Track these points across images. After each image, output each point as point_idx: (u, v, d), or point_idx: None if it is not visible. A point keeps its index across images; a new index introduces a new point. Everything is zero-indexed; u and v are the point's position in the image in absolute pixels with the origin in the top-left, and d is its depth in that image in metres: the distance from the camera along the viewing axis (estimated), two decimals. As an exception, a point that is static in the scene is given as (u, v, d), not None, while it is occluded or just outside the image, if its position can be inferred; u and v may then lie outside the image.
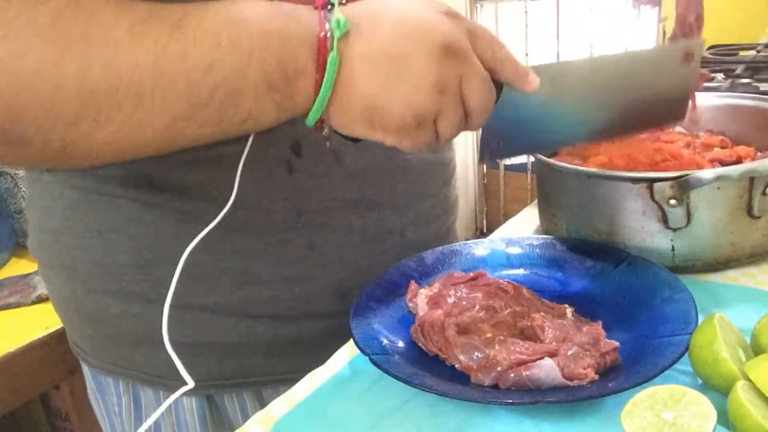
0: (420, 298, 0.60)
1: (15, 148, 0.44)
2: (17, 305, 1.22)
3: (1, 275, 1.33)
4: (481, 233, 2.82)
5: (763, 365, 0.43)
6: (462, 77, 0.47)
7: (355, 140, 0.52)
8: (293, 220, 0.63)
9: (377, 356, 0.52)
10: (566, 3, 2.58)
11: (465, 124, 0.50)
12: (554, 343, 0.51)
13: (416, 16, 0.46)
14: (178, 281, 0.61)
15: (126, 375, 0.69)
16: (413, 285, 0.62)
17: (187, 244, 0.58)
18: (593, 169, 0.68)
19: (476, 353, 0.51)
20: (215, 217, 0.56)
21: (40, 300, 1.23)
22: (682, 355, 0.48)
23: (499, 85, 0.51)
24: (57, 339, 1.15)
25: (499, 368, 0.49)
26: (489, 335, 0.53)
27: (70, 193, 0.64)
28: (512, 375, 0.49)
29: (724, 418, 0.43)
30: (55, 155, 0.45)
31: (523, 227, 0.81)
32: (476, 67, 0.48)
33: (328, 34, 0.45)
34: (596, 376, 0.48)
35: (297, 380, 0.56)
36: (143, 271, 0.63)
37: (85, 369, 0.74)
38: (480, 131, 0.55)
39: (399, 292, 0.62)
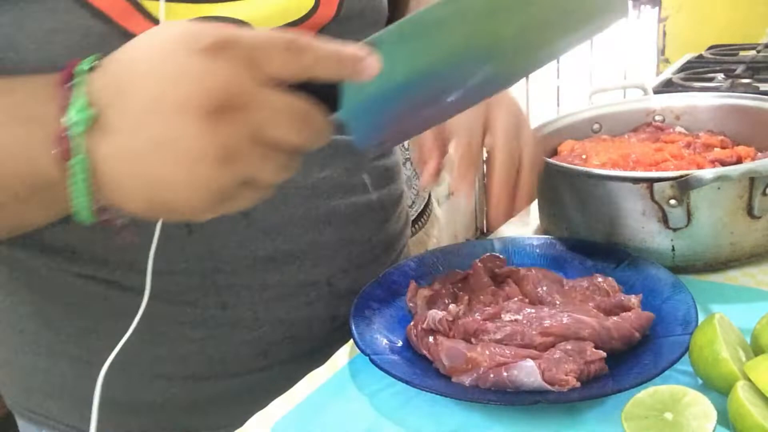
0: (420, 298, 0.60)
1: None
2: (17, 305, 1.22)
3: (1, 275, 1.33)
4: (481, 233, 2.82)
5: (763, 365, 0.43)
6: (255, 128, 0.37)
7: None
8: (198, 283, 0.58)
9: (377, 356, 0.52)
10: (566, 3, 2.58)
11: (297, 158, 0.40)
12: (540, 339, 0.51)
13: (167, 78, 0.36)
14: (85, 335, 0.60)
15: (43, 424, 0.66)
16: (413, 285, 0.62)
17: (92, 304, 0.58)
18: (593, 169, 0.68)
19: (459, 356, 0.51)
20: (111, 284, 0.57)
21: (40, 300, 1.23)
22: (682, 355, 0.48)
23: (332, 87, 0.40)
24: (57, 339, 1.14)
25: (481, 369, 0.49)
26: (476, 336, 0.53)
27: None
28: (492, 375, 0.49)
29: (724, 418, 0.43)
30: None
31: (523, 227, 0.81)
32: (268, 106, 0.37)
33: (70, 132, 0.37)
34: (577, 384, 0.48)
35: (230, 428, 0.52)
36: (48, 324, 0.61)
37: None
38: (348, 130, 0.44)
39: (399, 292, 0.62)
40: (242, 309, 0.60)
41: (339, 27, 0.58)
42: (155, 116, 0.36)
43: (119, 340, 0.51)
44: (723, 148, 0.75)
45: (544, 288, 0.59)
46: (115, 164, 0.37)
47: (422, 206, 1.01)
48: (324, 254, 0.62)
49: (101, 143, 0.37)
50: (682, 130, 0.82)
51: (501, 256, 0.65)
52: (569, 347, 0.50)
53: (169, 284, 0.57)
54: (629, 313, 0.54)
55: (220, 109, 0.36)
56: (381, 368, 0.50)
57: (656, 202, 0.62)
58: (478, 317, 0.54)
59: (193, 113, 0.35)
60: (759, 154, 0.73)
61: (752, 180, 0.62)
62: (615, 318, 0.53)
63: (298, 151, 0.39)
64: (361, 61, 0.39)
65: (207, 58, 0.36)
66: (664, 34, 2.32)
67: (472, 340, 0.53)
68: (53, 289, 0.60)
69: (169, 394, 0.62)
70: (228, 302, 0.60)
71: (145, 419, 0.63)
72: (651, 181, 0.62)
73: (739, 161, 0.71)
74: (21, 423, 0.69)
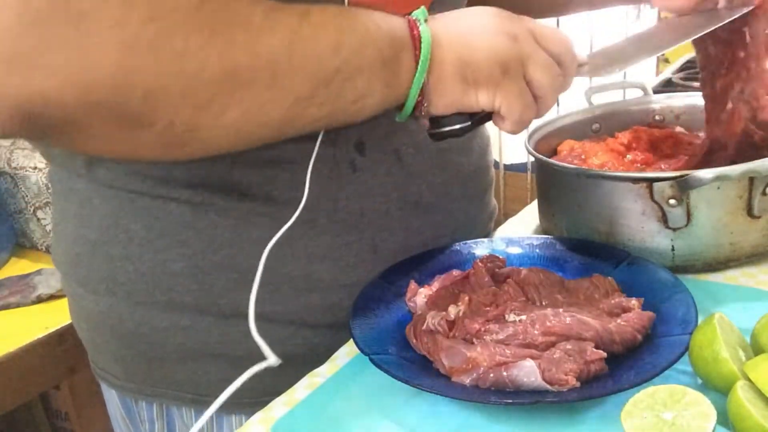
0: (420, 298, 0.60)
1: (135, 131, 0.44)
2: (17, 305, 1.23)
3: (1, 275, 1.33)
4: (481, 233, 2.82)
5: (763, 365, 0.43)
6: (531, 30, 0.54)
7: (454, 134, 0.55)
8: (356, 220, 0.62)
9: (377, 356, 0.52)
10: (566, 3, 2.58)
11: (560, 71, 0.56)
12: (541, 338, 0.51)
13: (482, 16, 0.55)
14: (233, 289, 0.60)
15: (164, 396, 0.66)
16: (413, 285, 0.62)
17: (245, 249, 0.58)
18: (593, 169, 0.68)
19: (459, 357, 0.51)
20: (274, 220, 0.56)
21: (40, 300, 1.23)
22: (682, 355, 0.48)
23: None
24: (57, 339, 1.15)
25: (481, 369, 0.49)
26: (478, 337, 0.53)
27: (111, 198, 0.61)
28: (491, 375, 0.49)
29: (724, 418, 0.43)
30: (172, 140, 0.46)
31: (523, 227, 0.81)
32: (541, 53, 0.55)
33: (414, 16, 0.53)
34: (577, 384, 0.48)
35: None
36: (196, 280, 0.60)
37: (113, 395, 0.70)
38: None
39: (399, 292, 0.62)
40: (389, 253, 0.65)
41: None
42: (471, 14, 0.55)
43: (272, 291, 0.59)
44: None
45: (545, 288, 0.59)
46: (441, 35, 0.52)
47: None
48: (453, 208, 0.70)
49: (435, 24, 0.53)
50: (682, 130, 0.82)
51: (501, 257, 0.65)
52: (569, 347, 0.50)
53: (328, 224, 0.62)
54: (630, 314, 0.54)
55: (512, 35, 0.54)
56: (381, 368, 0.50)
57: (656, 202, 0.62)
58: (482, 319, 0.54)
59: (493, 19, 0.54)
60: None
61: (752, 180, 0.62)
62: (617, 321, 0.53)
63: (559, 59, 0.56)
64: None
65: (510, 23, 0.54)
66: (664, 34, 2.31)
67: (474, 340, 0.53)
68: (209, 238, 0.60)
69: (311, 345, 0.63)
70: (378, 245, 0.64)
71: (284, 373, 0.59)
72: (651, 181, 0.62)
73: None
74: (127, 403, 0.69)
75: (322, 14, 0.49)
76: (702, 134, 0.78)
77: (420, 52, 0.51)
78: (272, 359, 0.47)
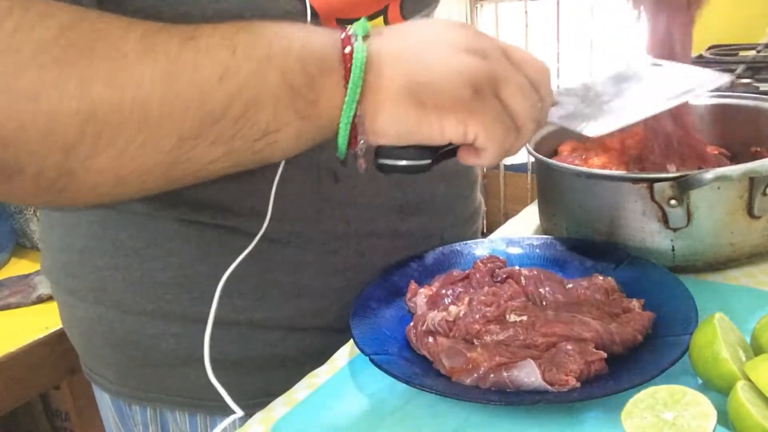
0: (420, 298, 0.60)
1: (5, 178, 0.39)
2: (17, 305, 1.22)
3: (1, 275, 1.33)
4: (481, 233, 2.82)
5: (763, 365, 0.43)
6: (502, 47, 0.46)
7: (406, 171, 0.46)
8: (342, 229, 0.62)
9: (377, 356, 0.52)
10: (566, 3, 2.58)
11: (537, 99, 0.46)
12: (541, 339, 0.51)
13: (437, 29, 0.47)
14: (227, 295, 0.59)
15: (156, 401, 0.66)
16: (413, 285, 0.62)
17: (231, 259, 0.56)
18: (593, 169, 0.68)
19: (459, 357, 0.51)
20: (257, 233, 0.55)
21: (40, 300, 1.23)
22: (682, 355, 0.48)
23: None
24: (57, 339, 1.15)
25: (481, 369, 0.49)
26: (479, 337, 0.53)
27: (97, 210, 0.60)
28: (492, 376, 0.49)
29: (724, 418, 0.42)
30: (50, 187, 0.41)
31: (523, 227, 0.81)
32: (514, 73, 0.46)
33: (350, 32, 0.44)
34: (577, 384, 0.48)
35: None
36: (184, 289, 0.60)
37: (105, 398, 0.70)
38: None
39: (399, 292, 0.62)
40: (377, 257, 0.64)
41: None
42: (424, 31, 0.45)
43: (260, 297, 0.59)
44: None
45: (546, 288, 0.59)
46: (384, 53, 0.43)
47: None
48: (439, 207, 0.69)
49: (376, 41, 0.44)
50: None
51: (501, 257, 0.65)
52: (570, 347, 0.50)
53: (314, 232, 0.61)
54: (630, 314, 0.54)
55: (480, 52, 0.44)
56: (381, 368, 0.50)
57: (656, 202, 0.62)
58: (482, 319, 0.54)
59: (456, 41, 0.44)
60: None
61: (752, 180, 0.62)
62: (618, 321, 0.53)
63: (534, 84, 0.47)
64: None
65: (473, 39, 0.45)
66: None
67: (474, 340, 0.53)
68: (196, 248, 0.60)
69: (302, 347, 0.63)
70: (365, 250, 0.63)
71: (274, 377, 0.62)
72: (651, 181, 0.62)
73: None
74: (120, 407, 0.69)
75: (214, 34, 0.41)
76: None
77: (350, 74, 0.42)
78: (239, 413, 0.46)
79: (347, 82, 0.42)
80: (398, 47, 0.44)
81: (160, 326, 0.62)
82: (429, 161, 0.46)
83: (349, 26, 0.44)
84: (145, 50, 0.40)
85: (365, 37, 0.43)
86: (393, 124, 0.44)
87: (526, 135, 0.47)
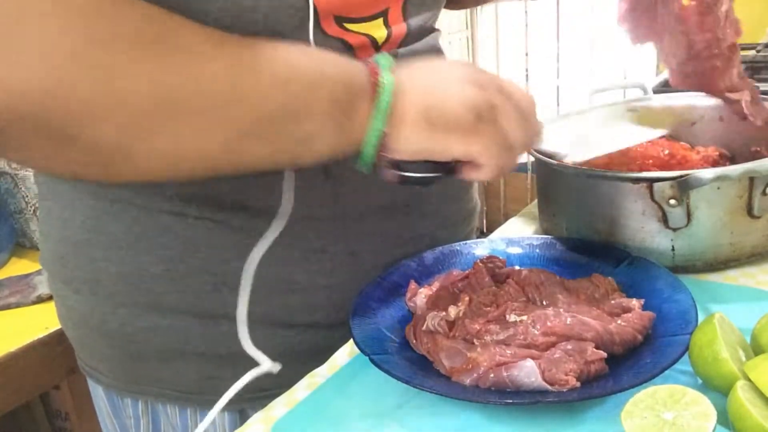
0: (420, 298, 0.60)
1: (61, 146, 0.42)
2: (17, 305, 1.22)
3: (1, 275, 1.33)
4: (481, 233, 2.82)
5: (763, 365, 0.43)
6: (494, 83, 0.53)
7: (421, 182, 0.53)
8: (332, 227, 0.63)
9: (377, 356, 0.52)
10: (566, 3, 2.58)
11: (528, 126, 0.54)
12: (541, 339, 0.51)
13: (449, 69, 0.54)
14: (211, 291, 0.61)
15: (148, 394, 0.67)
16: (413, 285, 0.62)
17: (221, 253, 0.59)
18: (593, 169, 0.68)
19: (459, 357, 0.51)
20: (249, 227, 0.58)
21: (40, 300, 1.23)
22: (682, 355, 0.48)
23: None
24: (57, 339, 1.15)
25: (481, 369, 0.49)
26: (479, 337, 0.53)
27: (93, 203, 0.61)
28: (492, 375, 0.49)
29: (724, 418, 0.43)
30: (101, 159, 0.44)
31: (523, 227, 0.81)
32: (511, 107, 0.53)
33: (376, 63, 0.51)
34: (577, 384, 0.48)
35: None
36: (175, 283, 0.61)
37: (99, 391, 0.71)
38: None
39: (399, 292, 0.62)
40: (367, 255, 0.65)
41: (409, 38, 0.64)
42: (435, 67, 0.53)
43: (250, 292, 0.59)
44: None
45: (546, 288, 0.59)
46: (405, 81, 0.50)
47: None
48: (429, 208, 0.70)
49: (398, 71, 0.51)
50: (683, 143, 0.81)
51: (501, 257, 0.65)
52: (569, 347, 0.50)
53: (305, 230, 0.62)
54: (630, 314, 0.54)
55: (480, 84, 0.52)
56: (381, 368, 0.50)
57: (656, 202, 0.62)
58: (482, 319, 0.54)
59: (462, 72, 0.52)
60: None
61: (752, 180, 0.62)
62: (618, 322, 0.53)
63: (524, 113, 0.54)
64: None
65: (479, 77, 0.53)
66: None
67: (474, 340, 0.53)
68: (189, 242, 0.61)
69: (290, 343, 0.64)
70: (356, 249, 0.65)
71: (261, 375, 0.63)
72: (651, 181, 0.62)
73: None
74: (113, 400, 0.70)
75: (275, 50, 0.47)
76: (701, 148, 0.77)
77: (379, 98, 0.49)
78: (266, 366, 0.49)
79: (376, 105, 0.49)
80: (416, 78, 0.51)
81: (151, 319, 0.63)
82: (439, 174, 0.53)
83: (372, 58, 0.52)
84: (218, 52, 0.45)
85: (391, 69, 0.51)
86: (411, 142, 0.50)
87: (517, 155, 0.54)
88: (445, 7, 0.82)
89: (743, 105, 0.72)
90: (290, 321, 0.64)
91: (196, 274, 0.61)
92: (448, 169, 0.53)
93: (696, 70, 0.72)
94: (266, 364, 0.52)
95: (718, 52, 0.69)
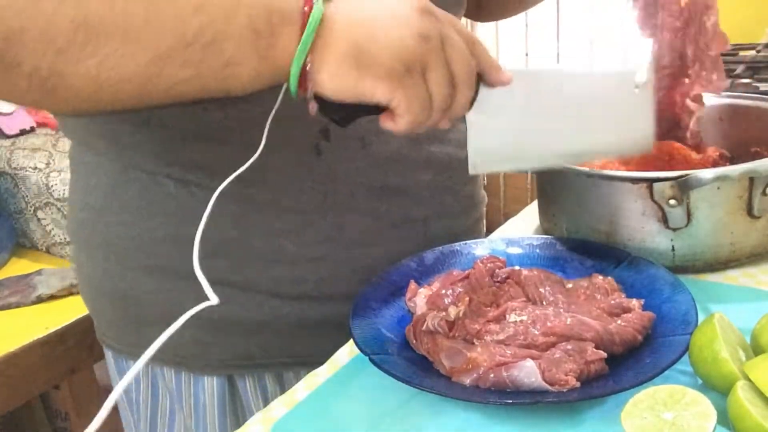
0: (419, 298, 0.60)
1: (6, 72, 0.45)
2: (17, 305, 1.23)
3: (1, 275, 1.33)
4: (481, 233, 2.82)
5: (763, 365, 0.43)
6: (443, 37, 0.50)
7: (341, 121, 0.52)
8: (320, 201, 0.65)
9: (377, 356, 0.52)
10: (566, 3, 2.58)
11: (453, 92, 0.52)
12: (541, 339, 0.51)
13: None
14: (209, 257, 0.61)
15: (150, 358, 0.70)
16: (413, 285, 0.62)
17: (218, 221, 0.60)
18: (593, 169, 0.68)
19: (459, 357, 0.51)
20: (243, 196, 0.60)
21: (40, 300, 1.23)
22: (682, 355, 0.48)
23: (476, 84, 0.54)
24: (57, 339, 1.15)
25: (481, 369, 0.49)
26: (479, 337, 0.53)
27: (110, 169, 0.66)
28: (492, 375, 0.49)
29: (724, 418, 0.43)
30: (41, 86, 0.46)
31: (523, 227, 0.81)
32: (455, 33, 0.51)
33: None
34: (577, 384, 0.48)
35: (319, 363, 0.57)
36: (176, 247, 0.65)
37: (108, 356, 0.76)
38: (468, 140, 0.56)
39: (399, 292, 0.62)
40: (356, 233, 0.67)
41: None
42: (379, 5, 0.50)
43: (242, 261, 0.63)
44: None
45: (546, 288, 0.59)
46: (340, 17, 0.49)
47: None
48: (422, 195, 0.71)
49: (333, 5, 0.49)
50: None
51: (501, 257, 0.65)
52: (569, 347, 0.50)
53: (293, 202, 0.64)
54: (630, 315, 0.54)
55: (430, 13, 0.50)
56: (381, 368, 0.50)
57: (656, 202, 0.62)
58: (482, 319, 0.54)
59: (412, 5, 0.50)
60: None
61: (752, 180, 0.62)
62: (618, 322, 0.53)
63: (456, 80, 0.51)
64: (501, 68, 0.54)
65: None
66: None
67: (474, 340, 0.53)
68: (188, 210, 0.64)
69: (279, 314, 0.67)
70: (343, 225, 0.66)
71: (251, 342, 0.67)
72: (651, 181, 0.62)
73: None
74: (120, 363, 0.74)
75: None
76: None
77: (307, 27, 0.49)
78: (213, 299, 0.49)
79: (302, 33, 0.48)
80: (352, 15, 0.50)
81: (155, 282, 0.67)
82: (359, 113, 0.53)
83: None
84: None
85: (326, 1, 0.49)
86: (334, 78, 0.49)
87: (435, 119, 0.53)
88: (475, 19, 0.83)
89: (691, 122, 0.72)
90: (277, 291, 0.66)
91: (194, 240, 0.63)
92: (369, 110, 0.52)
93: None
94: (213, 299, 0.52)
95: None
